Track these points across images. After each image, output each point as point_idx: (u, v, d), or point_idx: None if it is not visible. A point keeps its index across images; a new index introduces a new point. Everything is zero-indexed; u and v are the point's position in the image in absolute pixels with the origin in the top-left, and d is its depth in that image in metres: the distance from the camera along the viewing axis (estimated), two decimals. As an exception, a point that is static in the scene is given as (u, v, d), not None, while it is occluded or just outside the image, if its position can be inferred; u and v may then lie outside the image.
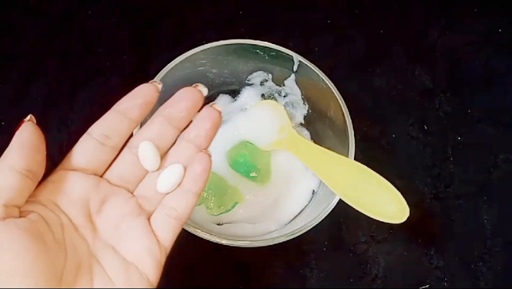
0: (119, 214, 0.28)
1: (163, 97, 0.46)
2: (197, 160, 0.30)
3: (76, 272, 0.25)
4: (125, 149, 0.30)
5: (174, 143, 0.32)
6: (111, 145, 0.29)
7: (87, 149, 0.29)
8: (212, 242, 0.39)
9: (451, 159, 0.55)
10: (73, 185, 0.28)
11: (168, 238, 0.29)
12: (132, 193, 0.30)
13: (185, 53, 0.45)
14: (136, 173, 0.30)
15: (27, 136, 0.27)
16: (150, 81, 0.31)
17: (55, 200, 0.27)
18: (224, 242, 0.39)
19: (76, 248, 0.26)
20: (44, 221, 0.25)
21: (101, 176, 0.29)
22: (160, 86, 0.31)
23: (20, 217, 0.25)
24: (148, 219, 0.29)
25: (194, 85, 0.31)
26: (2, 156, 0.26)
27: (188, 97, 0.31)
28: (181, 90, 0.31)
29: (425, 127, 0.56)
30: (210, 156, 0.30)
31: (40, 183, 0.27)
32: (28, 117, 0.28)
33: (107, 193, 0.29)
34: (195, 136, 0.31)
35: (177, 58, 0.45)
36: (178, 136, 0.32)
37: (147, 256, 0.27)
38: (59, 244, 0.25)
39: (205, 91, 0.31)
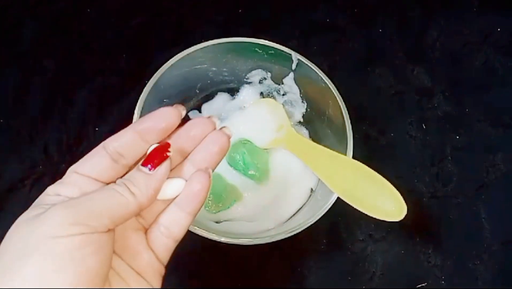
0: (122, 225, 0.28)
1: (162, 96, 0.47)
2: (195, 178, 0.29)
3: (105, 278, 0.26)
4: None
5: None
6: (123, 163, 0.28)
7: (99, 162, 0.28)
8: (210, 240, 0.39)
9: (450, 158, 0.55)
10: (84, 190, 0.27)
11: (163, 256, 0.29)
12: None
13: (184, 51, 0.45)
14: None
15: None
16: (174, 105, 0.29)
17: None
18: (223, 239, 0.39)
19: None
20: None
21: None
22: (183, 112, 0.29)
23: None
24: (145, 232, 0.29)
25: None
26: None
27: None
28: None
29: (424, 127, 0.56)
30: (209, 175, 0.29)
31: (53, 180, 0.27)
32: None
33: None
34: (201, 159, 0.30)
35: (176, 56, 0.45)
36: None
37: (149, 270, 0.28)
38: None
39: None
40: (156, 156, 0.28)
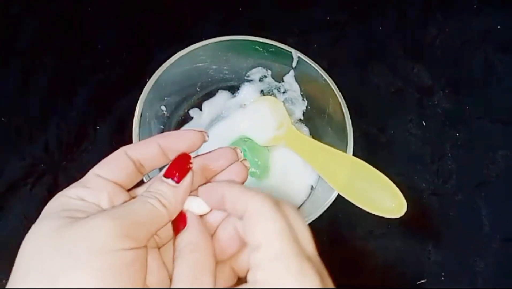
0: None
1: (163, 94, 0.47)
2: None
3: None
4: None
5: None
6: (142, 171, 0.29)
7: (124, 168, 0.28)
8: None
9: (450, 155, 0.55)
10: (112, 196, 0.27)
11: None
12: None
13: (185, 49, 0.45)
14: None
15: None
16: (200, 130, 0.30)
17: None
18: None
19: None
20: None
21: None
22: (207, 138, 0.31)
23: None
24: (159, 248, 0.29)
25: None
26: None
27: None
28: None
29: (424, 124, 0.56)
30: None
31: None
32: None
33: None
34: None
35: (176, 54, 0.45)
36: None
37: (161, 286, 0.28)
38: None
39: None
40: (179, 168, 0.28)
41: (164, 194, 0.27)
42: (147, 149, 0.29)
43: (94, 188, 0.26)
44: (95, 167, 0.27)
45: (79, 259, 0.21)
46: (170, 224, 0.29)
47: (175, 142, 0.29)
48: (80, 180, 0.27)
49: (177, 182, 0.27)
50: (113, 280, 0.22)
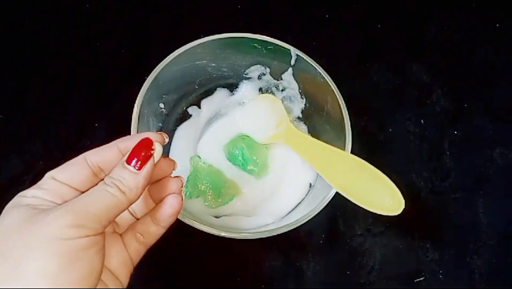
0: None
1: (161, 91, 0.47)
2: (168, 202, 0.31)
3: None
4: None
5: None
6: (102, 177, 0.30)
7: (80, 174, 0.29)
8: (208, 234, 0.39)
9: (448, 153, 0.55)
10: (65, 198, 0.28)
11: (134, 258, 0.32)
12: None
13: (183, 47, 0.45)
14: None
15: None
16: (159, 132, 0.31)
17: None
18: (223, 234, 0.39)
19: None
20: None
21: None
22: (167, 140, 0.31)
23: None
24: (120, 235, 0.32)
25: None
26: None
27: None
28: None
29: (422, 122, 0.56)
30: (182, 198, 0.32)
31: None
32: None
33: None
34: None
35: (175, 52, 0.45)
36: None
37: (122, 269, 0.30)
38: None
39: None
40: (140, 155, 0.29)
41: (124, 180, 0.28)
42: (106, 153, 0.30)
43: (48, 189, 0.28)
44: (52, 170, 0.29)
45: (39, 245, 0.24)
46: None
47: (132, 144, 0.30)
48: (37, 183, 0.28)
49: (138, 169, 0.28)
50: (70, 263, 0.24)
